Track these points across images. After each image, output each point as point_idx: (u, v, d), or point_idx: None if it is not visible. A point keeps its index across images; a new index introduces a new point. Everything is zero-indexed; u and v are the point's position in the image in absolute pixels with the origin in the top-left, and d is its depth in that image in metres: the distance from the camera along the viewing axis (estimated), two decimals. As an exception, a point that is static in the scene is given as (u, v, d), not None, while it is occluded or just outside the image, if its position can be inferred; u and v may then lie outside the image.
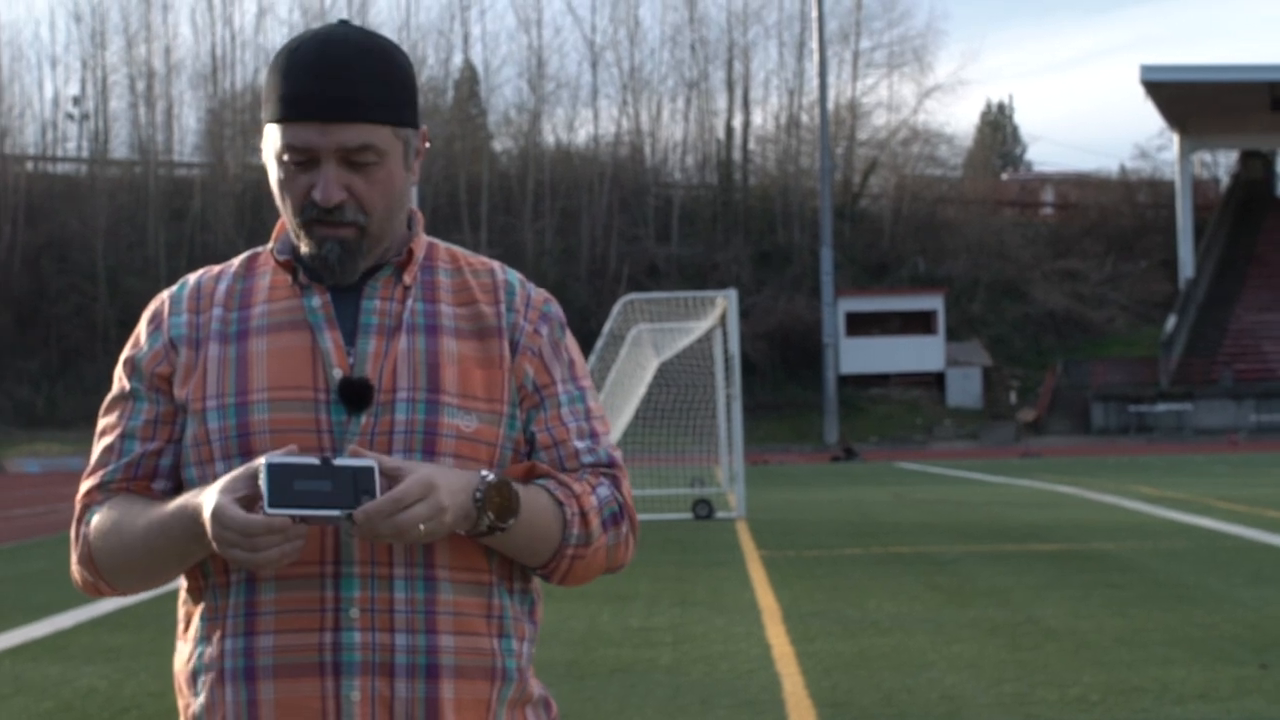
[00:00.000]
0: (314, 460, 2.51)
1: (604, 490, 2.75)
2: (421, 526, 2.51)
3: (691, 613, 14.10)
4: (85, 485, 2.78)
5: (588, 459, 2.77)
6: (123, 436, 2.76)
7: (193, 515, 2.59)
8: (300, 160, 2.66)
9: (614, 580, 15.40)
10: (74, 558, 2.77)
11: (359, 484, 2.49)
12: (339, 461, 2.51)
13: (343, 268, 2.69)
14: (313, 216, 2.67)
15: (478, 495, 2.59)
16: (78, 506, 2.77)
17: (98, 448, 2.79)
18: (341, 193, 2.66)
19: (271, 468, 2.48)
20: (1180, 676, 10.37)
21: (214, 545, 2.53)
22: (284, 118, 2.66)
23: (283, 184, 2.69)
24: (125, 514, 2.69)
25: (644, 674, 10.89)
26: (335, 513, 2.49)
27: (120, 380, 2.79)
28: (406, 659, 2.62)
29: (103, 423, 2.80)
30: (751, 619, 13.65)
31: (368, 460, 2.52)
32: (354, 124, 2.64)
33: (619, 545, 2.76)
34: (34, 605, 15.58)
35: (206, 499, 2.55)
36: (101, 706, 10.06)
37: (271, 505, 2.47)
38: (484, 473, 2.61)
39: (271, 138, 2.70)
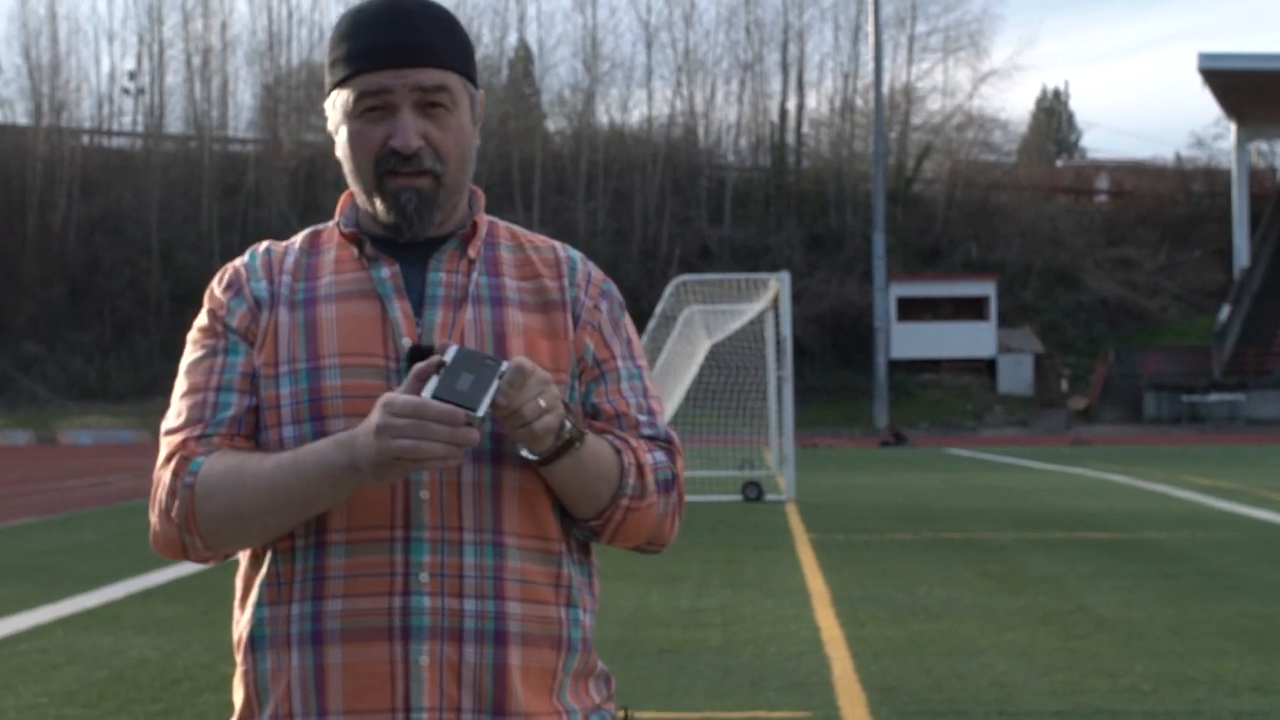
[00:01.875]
0: (489, 358, 2.51)
1: (660, 455, 2.75)
2: (542, 401, 2.52)
3: (741, 595, 14.09)
4: (179, 437, 2.68)
5: (647, 431, 2.77)
6: (218, 390, 2.70)
7: (341, 440, 2.55)
8: (375, 106, 2.68)
9: (663, 561, 15.41)
10: (160, 509, 2.67)
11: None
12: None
13: (420, 218, 2.70)
14: (390, 167, 2.68)
15: (568, 405, 2.61)
16: (172, 460, 2.67)
17: (186, 401, 2.70)
18: (419, 139, 2.67)
19: (457, 354, 2.49)
20: (1233, 668, 10.31)
21: (374, 450, 2.47)
22: (357, 70, 2.68)
23: (355, 139, 2.70)
24: (244, 460, 2.62)
25: (693, 655, 10.88)
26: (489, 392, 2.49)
27: (207, 338, 2.74)
28: (475, 624, 2.61)
29: (189, 381, 2.72)
30: (801, 602, 13.63)
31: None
32: (428, 68, 2.68)
33: (667, 515, 2.76)
34: (86, 575, 15.67)
35: (356, 434, 2.53)
36: (154, 677, 10.11)
37: (435, 395, 2.46)
38: None
39: (341, 98, 2.71)
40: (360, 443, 2.50)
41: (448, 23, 2.72)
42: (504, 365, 2.51)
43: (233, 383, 2.70)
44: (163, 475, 2.68)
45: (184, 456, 2.67)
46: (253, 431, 2.70)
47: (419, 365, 2.52)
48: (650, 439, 2.76)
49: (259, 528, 2.63)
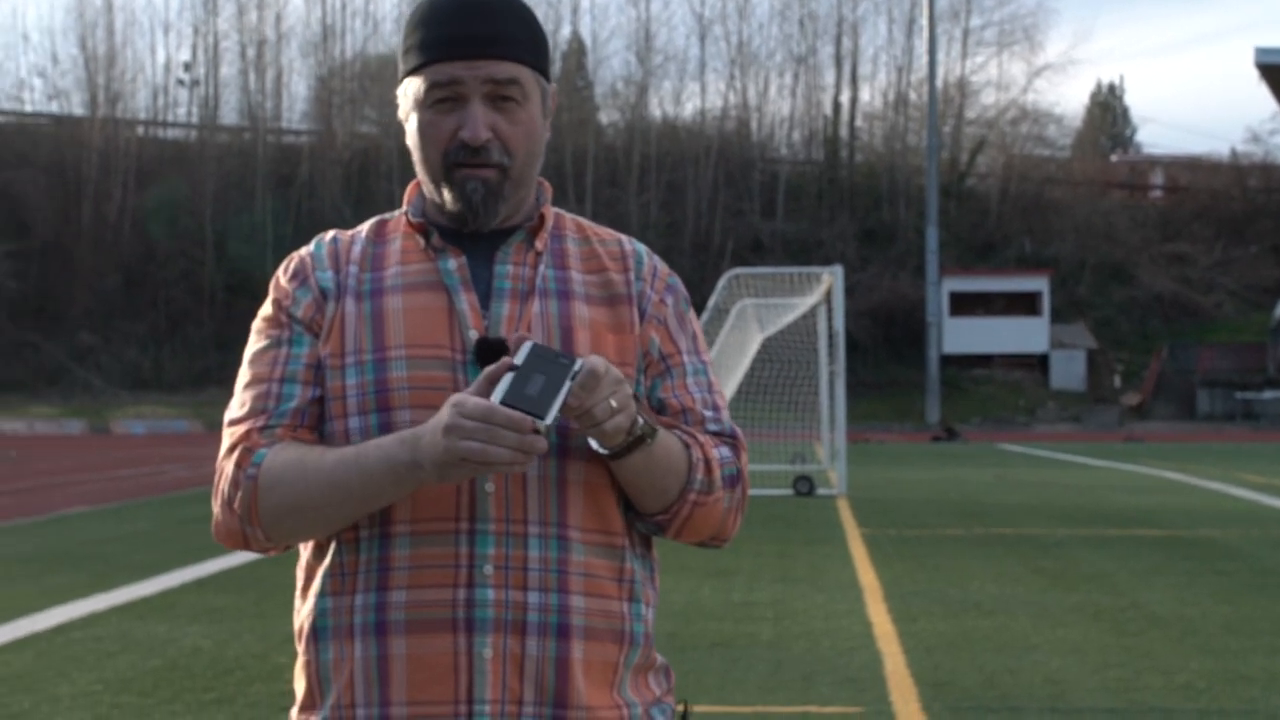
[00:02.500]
0: (563, 356, 2.50)
1: (725, 451, 2.75)
2: (614, 402, 2.51)
3: (793, 589, 14.06)
4: (242, 428, 2.68)
5: (713, 427, 2.77)
6: (282, 381, 2.70)
7: (405, 438, 2.54)
8: (446, 98, 2.68)
9: (715, 555, 15.41)
10: (222, 500, 2.67)
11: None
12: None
13: (486, 209, 2.70)
14: (458, 159, 2.68)
15: (636, 396, 2.61)
16: (235, 450, 2.67)
17: (250, 391, 2.70)
18: (488, 131, 2.67)
19: (530, 353, 2.48)
20: (1289, 666, 10.24)
21: (440, 449, 2.46)
22: (430, 60, 2.68)
23: (425, 129, 2.70)
24: (307, 453, 2.62)
25: (745, 649, 10.87)
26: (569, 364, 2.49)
27: (272, 328, 2.74)
28: (539, 617, 2.61)
29: (253, 371, 2.72)
30: (853, 597, 13.60)
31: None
32: (501, 60, 2.67)
33: (731, 510, 2.75)
34: (140, 564, 15.75)
35: (422, 431, 2.51)
36: (206, 666, 10.15)
37: (504, 401, 2.46)
38: None
39: (413, 86, 2.71)
40: (426, 441, 2.50)
41: (522, 15, 2.72)
42: (577, 365, 2.49)
43: (297, 374, 2.70)
44: (225, 466, 2.68)
45: (247, 448, 2.66)
46: (316, 423, 2.69)
47: (490, 368, 2.50)
48: (716, 434, 2.76)
49: (321, 521, 2.63)
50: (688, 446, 2.69)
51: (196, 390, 73.71)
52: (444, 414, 2.47)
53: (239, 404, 2.71)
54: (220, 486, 2.68)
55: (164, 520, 21.03)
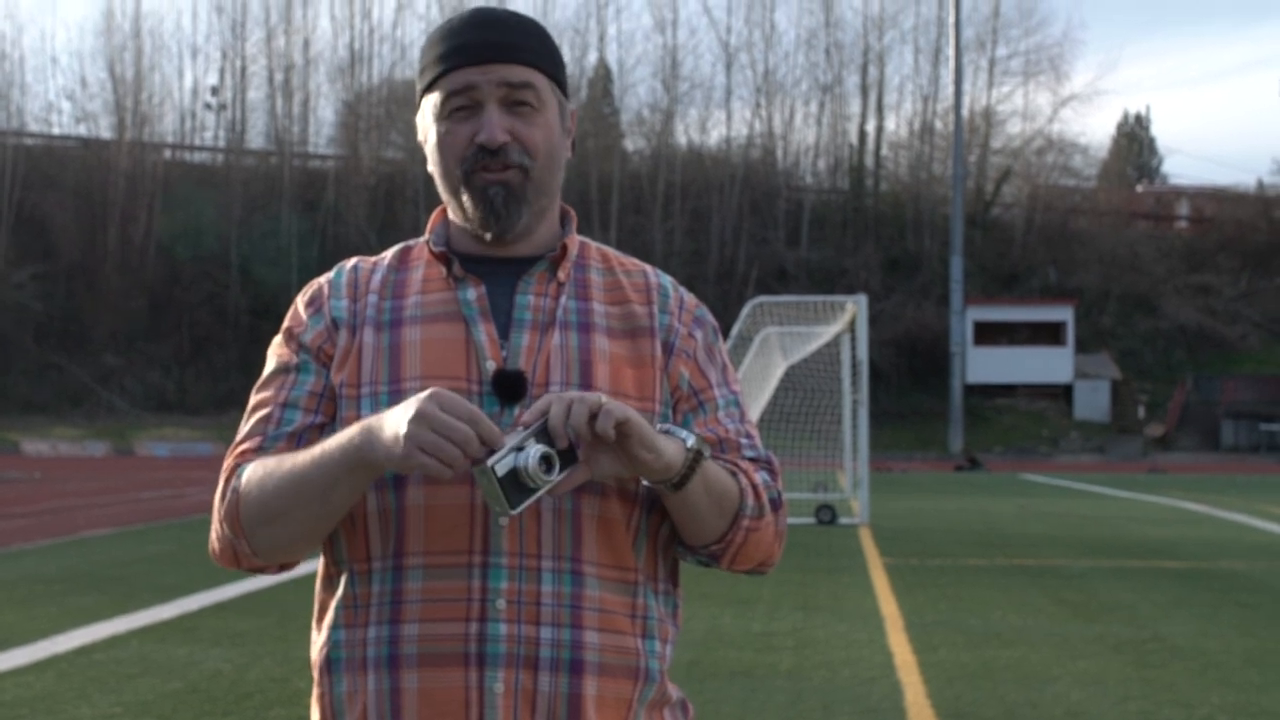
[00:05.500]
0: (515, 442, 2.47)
1: (765, 475, 2.75)
2: (603, 398, 2.48)
3: (813, 618, 14.04)
4: (239, 449, 2.71)
5: (749, 453, 2.77)
6: (284, 406, 2.71)
7: (364, 424, 2.52)
8: (462, 105, 2.68)
9: (736, 583, 15.38)
10: (215, 519, 2.69)
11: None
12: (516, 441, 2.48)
13: (508, 212, 2.69)
14: (476, 164, 2.68)
15: (683, 428, 2.62)
16: (226, 470, 2.69)
17: (252, 418, 2.72)
18: (505, 134, 2.66)
19: (504, 480, 2.45)
20: (1311, 700, 10.20)
21: (401, 436, 2.42)
22: (444, 70, 2.70)
23: (443, 139, 2.70)
24: (283, 459, 2.62)
25: (765, 678, 10.85)
26: (554, 477, 2.47)
27: (281, 355, 2.75)
28: (551, 653, 2.60)
29: (258, 397, 2.74)
30: (874, 626, 13.57)
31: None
32: (514, 64, 2.69)
33: (779, 533, 2.76)
34: (162, 586, 15.76)
35: (394, 411, 2.48)
36: (226, 690, 10.15)
37: (515, 505, 2.46)
38: None
39: (430, 103, 2.73)
40: (391, 422, 2.46)
41: (536, 29, 2.75)
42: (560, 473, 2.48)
43: (299, 400, 2.71)
44: (219, 484, 2.71)
45: (237, 464, 2.69)
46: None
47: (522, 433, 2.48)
48: (753, 460, 2.76)
49: (291, 524, 2.60)
50: (734, 474, 2.69)
51: (220, 413, 73.83)
52: (417, 401, 2.44)
53: (242, 429, 2.73)
54: (214, 505, 2.70)
55: (186, 543, 21.04)
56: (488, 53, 2.67)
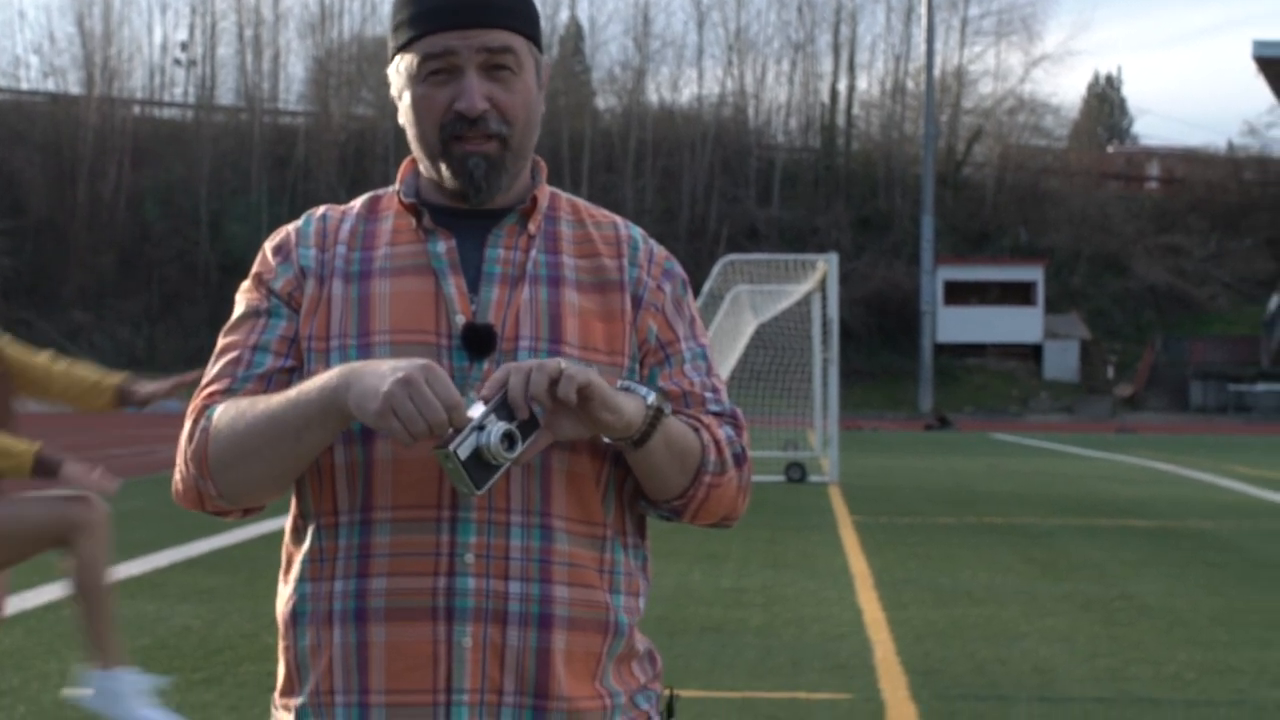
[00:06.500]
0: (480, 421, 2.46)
1: (729, 430, 2.74)
2: (562, 364, 2.47)
3: (783, 575, 14.07)
4: (206, 390, 2.68)
5: (714, 407, 2.76)
6: (254, 349, 2.68)
7: (342, 370, 2.50)
8: (439, 69, 2.65)
9: (705, 540, 15.41)
10: (180, 460, 2.66)
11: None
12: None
13: (488, 183, 2.67)
14: (455, 132, 2.65)
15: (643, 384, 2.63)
16: (194, 411, 2.66)
17: (220, 360, 2.70)
18: (485, 102, 2.64)
19: (467, 462, 2.45)
20: (1278, 658, 10.25)
21: (380, 392, 2.41)
22: (421, 32, 2.65)
23: (419, 103, 2.67)
24: (255, 400, 2.60)
25: (734, 634, 10.87)
26: (517, 451, 2.47)
27: (251, 299, 2.73)
28: (520, 607, 2.59)
29: (226, 339, 2.72)
30: (843, 584, 13.60)
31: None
32: (494, 29, 2.64)
33: (741, 488, 2.76)
34: (131, 543, 15.71)
35: (382, 364, 2.46)
36: (196, 646, 10.15)
37: (481, 486, 2.46)
38: None
39: (405, 63, 2.68)
40: (371, 374, 2.45)
41: None
42: (523, 444, 2.48)
43: (269, 344, 2.69)
44: (185, 425, 2.68)
45: (205, 405, 2.66)
46: (284, 389, 2.64)
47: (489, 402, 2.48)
48: (717, 414, 2.75)
49: (260, 464, 2.58)
50: (696, 430, 2.68)
51: (190, 369, 73.45)
52: (407, 364, 2.43)
53: (210, 371, 2.71)
54: (180, 446, 2.67)
55: (155, 499, 20.99)
56: (467, 16, 2.63)
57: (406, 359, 2.46)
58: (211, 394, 2.68)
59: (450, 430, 2.43)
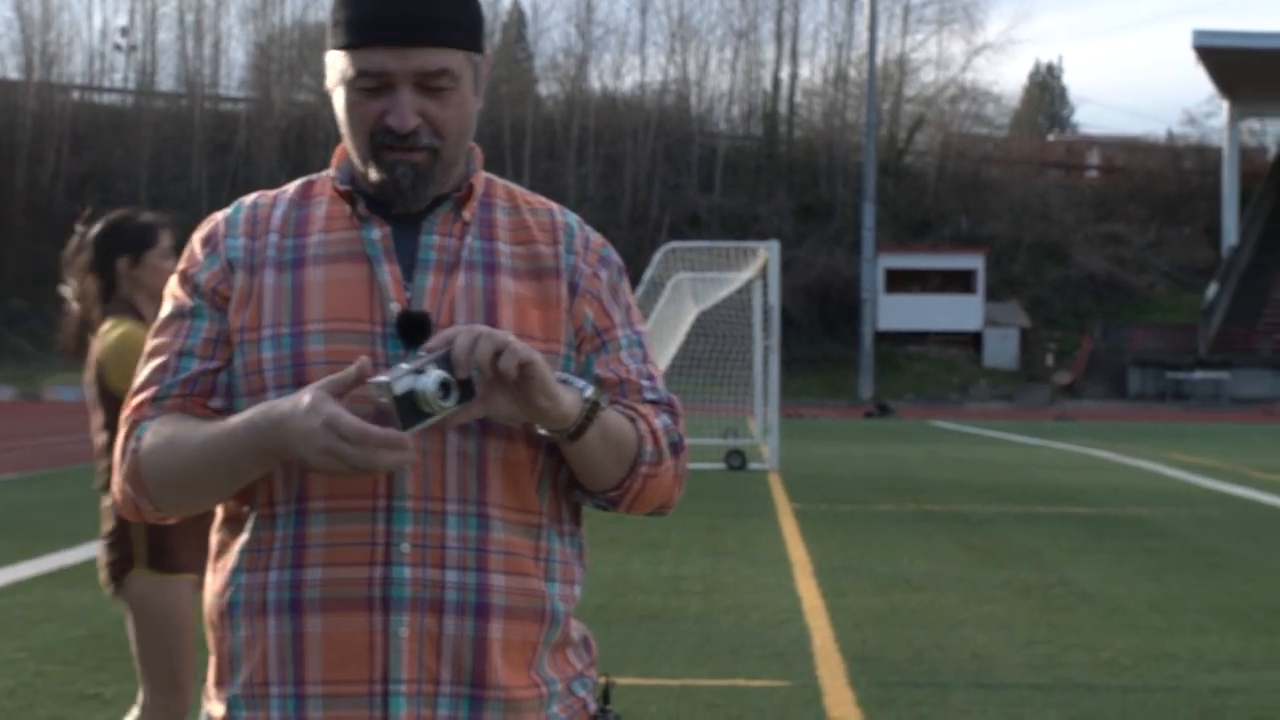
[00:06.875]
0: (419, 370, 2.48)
1: (666, 419, 2.73)
2: (510, 337, 2.50)
3: (722, 563, 14.09)
4: (135, 400, 2.68)
5: (650, 396, 2.74)
6: (180, 354, 2.68)
7: (267, 428, 2.51)
8: (372, 86, 2.62)
9: (645, 528, 15.42)
10: (117, 476, 2.67)
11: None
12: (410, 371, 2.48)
13: (414, 192, 2.65)
14: (385, 143, 2.63)
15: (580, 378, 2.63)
16: (125, 423, 2.68)
17: (149, 365, 2.69)
18: (416, 119, 2.61)
19: (400, 399, 2.45)
20: (1214, 644, 10.33)
21: (311, 455, 2.45)
22: (357, 43, 2.61)
23: (351, 110, 2.65)
24: (180, 429, 2.61)
25: (673, 621, 10.89)
26: (450, 405, 2.48)
27: (177, 297, 2.72)
28: (457, 596, 2.58)
29: (155, 341, 2.71)
30: (782, 571, 13.64)
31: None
32: (431, 48, 2.60)
33: (678, 477, 2.75)
34: (68, 532, 15.64)
35: (296, 409, 2.48)
36: (133, 635, 10.08)
37: (408, 427, 2.46)
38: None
39: (340, 64, 2.65)
40: (294, 438, 2.48)
41: None
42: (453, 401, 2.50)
43: (194, 348, 2.68)
44: (120, 434, 2.69)
45: (135, 420, 2.67)
46: (209, 390, 2.67)
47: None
48: (654, 403, 2.74)
49: (201, 496, 2.64)
50: (633, 420, 2.67)
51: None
52: (317, 431, 2.45)
53: (139, 375, 2.71)
54: (115, 458, 2.69)
55: (90, 488, 20.91)
56: (405, 32, 2.58)
57: (295, 413, 2.48)
58: (141, 404, 2.68)
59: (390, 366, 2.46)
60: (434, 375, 2.46)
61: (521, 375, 2.49)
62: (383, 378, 2.45)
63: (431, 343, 2.50)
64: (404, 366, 2.47)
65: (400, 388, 2.45)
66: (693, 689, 8.77)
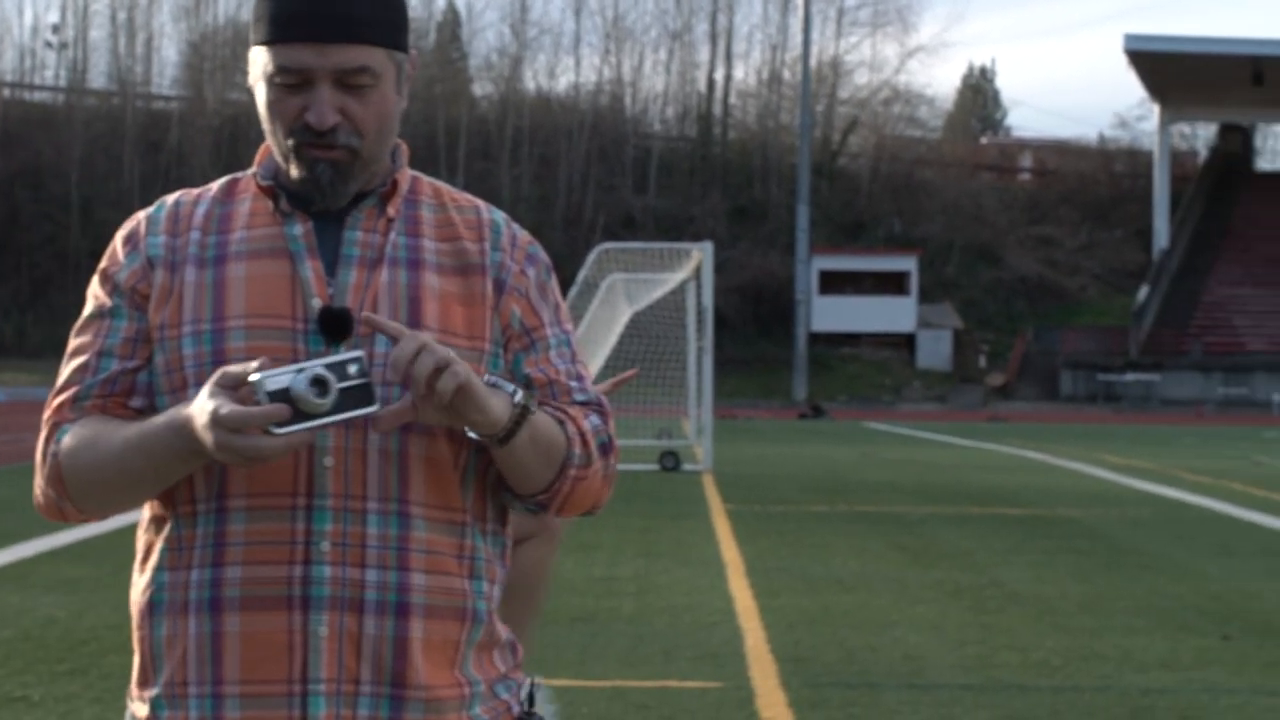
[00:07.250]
0: (305, 369, 2.44)
1: (595, 420, 2.71)
2: (452, 355, 2.47)
3: (655, 564, 14.09)
4: (56, 402, 2.67)
5: (579, 397, 2.73)
6: (99, 354, 2.66)
7: (179, 428, 2.50)
8: (292, 83, 2.60)
9: (578, 529, 15.38)
10: (39, 478, 2.66)
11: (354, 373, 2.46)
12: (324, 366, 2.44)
13: (334, 190, 2.63)
14: (304, 139, 2.61)
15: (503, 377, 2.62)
16: (46, 424, 2.66)
17: (70, 365, 2.68)
18: (336, 115, 2.59)
19: (273, 395, 2.41)
20: (1142, 645, 10.38)
21: (213, 451, 2.44)
22: (277, 38, 2.59)
23: (272, 106, 2.62)
24: (100, 431, 2.59)
25: (606, 623, 10.87)
26: (327, 403, 2.43)
27: (97, 297, 2.70)
28: (377, 595, 2.57)
29: (76, 341, 2.70)
30: (715, 572, 13.64)
31: (355, 352, 2.48)
32: (351, 45, 2.58)
33: (607, 478, 2.73)
34: (-4, 533, 15.52)
35: (197, 409, 2.46)
36: (60, 637, 10.02)
37: (280, 426, 2.41)
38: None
39: (261, 60, 2.62)
40: (199, 434, 2.47)
41: None
42: (373, 408, 2.48)
43: (114, 348, 2.66)
44: (40, 435, 2.68)
45: (55, 422, 2.66)
46: (130, 390, 2.66)
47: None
48: (583, 404, 2.72)
49: (125, 498, 2.63)
50: (561, 423, 2.65)
51: (59, 357, 71.83)
52: (208, 425, 2.43)
53: (61, 375, 2.70)
54: (36, 459, 2.67)
55: (22, 489, 20.68)
56: (325, 29, 2.56)
57: (205, 389, 2.46)
58: (61, 405, 2.67)
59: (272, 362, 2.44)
60: (310, 373, 2.42)
61: (455, 394, 2.47)
62: (255, 375, 2.41)
63: (388, 330, 2.50)
64: (292, 366, 2.44)
65: (273, 384, 2.41)
66: (625, 690, 8.76)
